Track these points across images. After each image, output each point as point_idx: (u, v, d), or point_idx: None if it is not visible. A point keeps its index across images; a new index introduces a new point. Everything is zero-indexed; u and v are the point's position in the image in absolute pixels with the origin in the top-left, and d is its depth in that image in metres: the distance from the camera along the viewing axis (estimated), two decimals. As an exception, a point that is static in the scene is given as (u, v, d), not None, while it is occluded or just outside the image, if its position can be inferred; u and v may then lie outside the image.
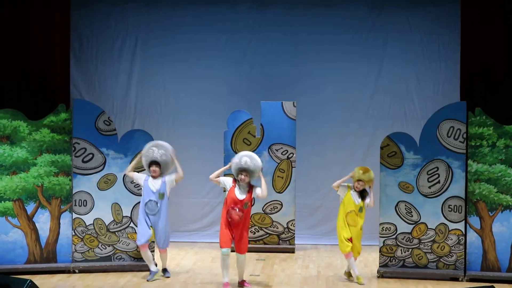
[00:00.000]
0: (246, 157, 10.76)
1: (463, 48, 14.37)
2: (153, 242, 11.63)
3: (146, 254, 11.46)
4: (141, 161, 11.57)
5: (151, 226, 11.37)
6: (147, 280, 11.32)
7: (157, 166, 11.40)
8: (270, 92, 14.60)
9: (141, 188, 11.54)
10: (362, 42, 14.75)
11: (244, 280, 11.07)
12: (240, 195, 10.71)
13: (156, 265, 11.58)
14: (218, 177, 10.91)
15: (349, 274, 11.59)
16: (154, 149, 11.44)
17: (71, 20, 14.83)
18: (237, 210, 10.63)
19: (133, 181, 11.74)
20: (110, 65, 15.02)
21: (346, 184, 11.45)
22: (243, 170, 10.70)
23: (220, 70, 14.90)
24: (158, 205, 11.36)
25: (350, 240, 11.32)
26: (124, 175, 11.87)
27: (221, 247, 10.75)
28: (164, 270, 11.70)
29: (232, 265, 11.38)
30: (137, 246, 11.66)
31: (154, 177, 11.42)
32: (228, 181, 10.85)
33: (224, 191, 11.20)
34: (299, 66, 14.81)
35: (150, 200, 11.36)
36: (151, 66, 15.00)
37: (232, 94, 14.85)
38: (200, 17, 14.90)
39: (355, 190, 11.38)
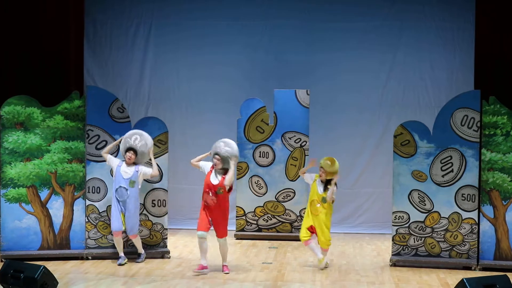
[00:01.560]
0: (221, 142, 11.00)
1: (477, 37, 14.30)
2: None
3: (118, 240, 11.61)
4: (118, 144, 11.69)
5: (121, 212, 11.52)
6: (118, 264, 11.49)
7: (134, 154, 11.53)
8: (283, 80, 14.57)
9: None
10: (376, 30, 14.69)
11: (225, 265, 11.22)
12: (214, 180, 10.90)
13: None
14: (199, 161, 11.14)
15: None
16: (137, 137, 11.56)
17: (85, 5, 14.84)
18: (211, 194, 10.84)
19: (107, 162, 11.77)
20: (124, 51, 15.02)
21: (314, 174, 11.45)
22: (216, 153, 10.94)
23: (234, 57, 14.87)
24: (128, 192, 11.49)
25: (311, 228, 11.34)
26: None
27: (197, 230, 10.96)
28: (139, 255, 11.81)
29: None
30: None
31: (128, 164, 11.53)
32: (207, 166, 11.07)
33: None
34: (313, 54, 14.76)
35: (120, 187, 11.50)
36: (165, 52, 14.98)
37: (246, 81, 14.83)
38: (214, 3, 14.86)
39: (321, 180, 11.34)
